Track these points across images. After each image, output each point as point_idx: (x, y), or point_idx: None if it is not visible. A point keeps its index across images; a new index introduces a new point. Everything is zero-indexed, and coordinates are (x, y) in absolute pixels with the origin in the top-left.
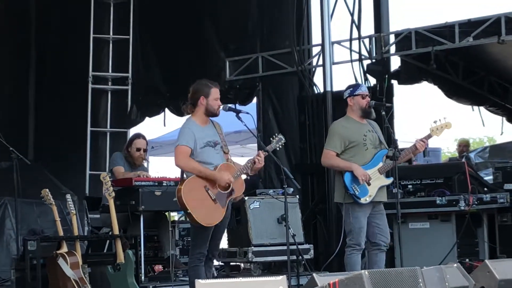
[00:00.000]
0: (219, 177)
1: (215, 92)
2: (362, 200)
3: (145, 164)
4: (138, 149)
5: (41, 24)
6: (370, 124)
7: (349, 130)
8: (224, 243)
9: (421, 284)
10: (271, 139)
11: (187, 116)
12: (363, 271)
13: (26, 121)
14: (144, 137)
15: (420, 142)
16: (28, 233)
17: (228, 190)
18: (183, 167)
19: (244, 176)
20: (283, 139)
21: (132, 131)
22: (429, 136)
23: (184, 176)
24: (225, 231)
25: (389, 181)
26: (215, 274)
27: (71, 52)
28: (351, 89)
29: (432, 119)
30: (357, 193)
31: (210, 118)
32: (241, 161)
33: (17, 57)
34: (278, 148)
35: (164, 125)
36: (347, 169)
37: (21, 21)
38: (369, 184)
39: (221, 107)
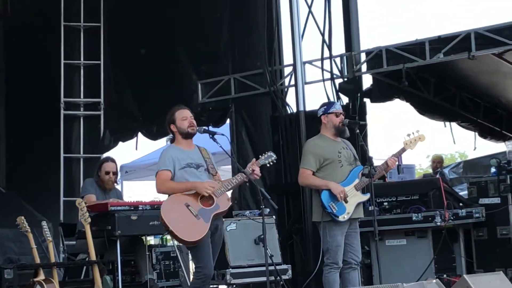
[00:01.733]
0: (199, 185)
1: (179, 114)
2: (340, 218)
3: (118, 187)
4: (107, 173)
5: (11, 49)
6: (343, 142)
7: (323, 148)
8: None
9: None
10: (260, 156)
11: (163, 138)
12: None
13: None
14: (113, 160)
15: (392, 159)
16: (4, 261)
17: (212, 206)
18: (163, 192)
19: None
20: (274, 156)
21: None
22: (403, 150)
23: None
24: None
25: (366, 197)
26: None
27: (42, 78)
28: (325, 107)
29: (405, 134)
30: (335, 211)
31: (197, 145)
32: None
33: None
34: (268, 165)
35: (136, 149)
36: (324, 187)
37: None
38: (346, 201)
39: (196, 129)
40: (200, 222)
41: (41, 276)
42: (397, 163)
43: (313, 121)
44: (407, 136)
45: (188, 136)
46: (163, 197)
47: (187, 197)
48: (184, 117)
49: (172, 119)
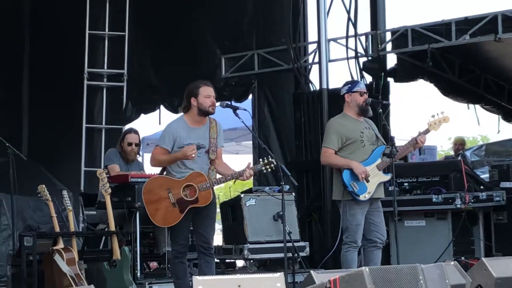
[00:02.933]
0: (181, 155)
1: (204, 90)
2: (361, 197)
3: (140, 159)
4: (130, 144)
5: (35, 20)
6: (366, 122)
7: (346, 127)
8: (219, 240)
9: (421, 281)
10: (260, 160)
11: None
12: (364, 267)
13: (21, 117)
14: (136, 132)
15: (422, 136)
16: (24, 229)
17: (192, 198)
18: (154, 166)
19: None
20: (274, 162)
21: (128, 127)
22: (427, 131)
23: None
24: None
25: (387, 177)
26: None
27: (66, 49)
28: (349, 85)
29: (429, 115)
30: (356, 190)
31: (212, 119)
32: (236, 158)
33: (11, 54)
34: (264, 171)
35: (160, 123)
36: (346, 167)
37: (15, 18)
38: (367, 181)
39: (219, 104)
40: (174, 211)
41: (60, 245)
42: (425, 142)
43: (335, 99)
44: (431, 117)
45: (205, 114)
46: None
47: (171, 182)
48: (208, 95)
49: (195, 93)
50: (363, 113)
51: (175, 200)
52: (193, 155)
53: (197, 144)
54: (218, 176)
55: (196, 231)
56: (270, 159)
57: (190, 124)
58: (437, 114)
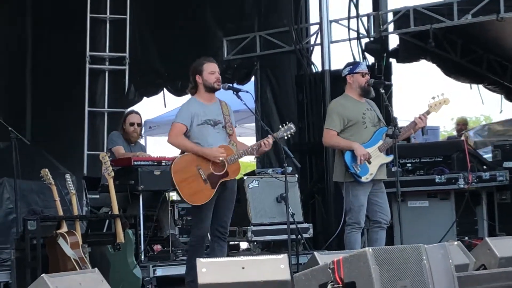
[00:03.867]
0: (209, 152)
1: (208, 67)
2: (363, 179)
3: (142, 142)
4: (132, 124)
5: (37, 4)
6: (368, 103)
7: (348, 108)
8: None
9: (425, 261)
10: (280, 126)
11: (188, 95)
12: (367, 248)
13: (24, 102)
14: (137, 112)
15: (420, 117)
16: (27, 213)
17: (222, 172)
18: (173, 144)
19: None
20: (293, 128)
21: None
22: (427, 113)
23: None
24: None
25: (389, 158)
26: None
27: (68, 32)
28: (351, 66)
29: (431, 95)
30: (358, 171)
31: (219, 99)
32: (239, 140)
33: (13, 39)
34: (286, 137)
35: (165, 106)
36: (348, 148)
37: (17, 2)
38: (369, 162)
39: (221, 86)
40: (206, 187)
41: (64, 229)
42: (425, 123)
43: (338, 80)
44: (431, 99)
45: (212, 90)
46: None
47: (199, 159)
48: (212, 71)
49: (199, 70)
50: (365, 94)
51: (206, 176)
52: (220, 159)
53: (214, 120)
54: (242, 149)
55: (216, 214)
56: (288, 124)
57: (203, 101)
58: (437, 95)
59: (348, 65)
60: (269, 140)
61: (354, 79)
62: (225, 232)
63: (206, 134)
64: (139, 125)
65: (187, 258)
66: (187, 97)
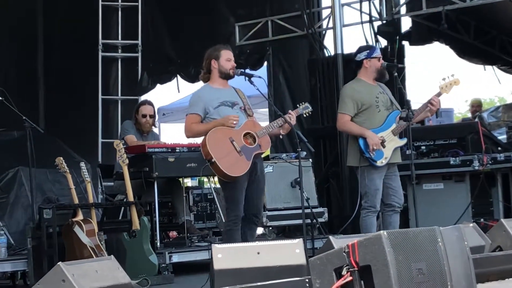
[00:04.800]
0: (222, 120)
1: (225, 53)
2: (378, 163)
3: (156, 131)
4: (144, 115)
5: None
6: (380, 86)
7: (361, 92)
8: None
9: (440, 244)
10: (298, 105)
11: (200, 82)
12: (381, 231)
13: (36, 91)
14: (150, 103)
15: (432, 100)
16: (43, 201)
17: (254, 145)
18: (190, 137)
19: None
20: (310, 107)
21: (143, 98)
22: (439, 94)
23: None
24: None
25: (403, 142)
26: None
27: (80, 20)
28: (368, 51)
29: (440, 78)
30: (373, 156)
31: (232, 86)
32: None
33: (25, 28)
34: (305, 115)
35: (178, 91)
36: (361, 136)
37: None
38: (384, 146)
39: (235, 73)
40: (242, 159)
41: (80, 217)
42: (439, 105)
43: (350, 64)
44: (442, 80)
45: (226, 77)
46: (200, 140)
47: (231, 132)
48: (229, 58)
49: (216, 55)
50: (381, 78)
51: (240, 148)
52: (235, 122)
53: (230, 101)
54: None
55: (250, 202)
56: (304, 103)
57: (217, 86)
58: (447, 77)
59: (362, 49)
60: (292, 113)
61: (371, 63)
62: (260, 216)
63: (227, 113)
64: (152, 116)
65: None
66: (201, 83)
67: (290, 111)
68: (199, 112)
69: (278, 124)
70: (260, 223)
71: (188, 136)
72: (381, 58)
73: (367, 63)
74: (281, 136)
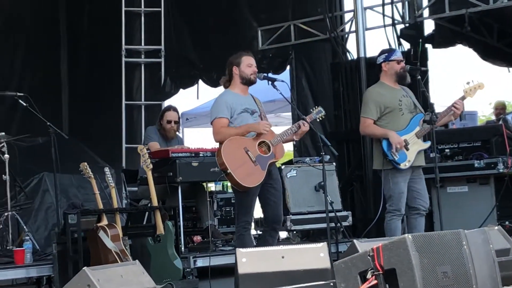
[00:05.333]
0: (256, 126)
1: (246, 59)
2: (402, 166)
3: (180, 135)
4: (169, 121)
5: None
6: (403, 90)
7: (384, 96)
8: (260, 213)
9: (465, 247)
10: (311, 110)
11: (222, 86)
12: (406, 235)
13: (59, 97)
14: (175, 109)
15: (456, 104)
16: (68, 207)
17: (268, 154)
18: (220, 140)
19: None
20: (323, 111)
21: (167, 103)
22: (463, 98)
23: None
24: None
25: (426, 145)
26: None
27: (103, 26)
28: (386, 54)
29: (465, 81)
30: (396, 159)
31: (251, 93)
32: (275, 130)
33: (48, 34)
34: (318, 120)
35: (197, 98)
36: (384, 137)
37: None
38: (407, 149)
39: (256, 79)
40: (257, 169)
41: (104, 221)
42: (462, 108)
43: (373, 67)
44: (466, 84)
45: (248, 83)
46: None
47: (246, 141)
48: (250, 64)
49: (237, 62)
50: (401, 81)
51: (255, 158)
52: (267, 129)
53: (251, 109)
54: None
55: (270, 209)
56: (317, 108)
57: (239, 93)
58: (472, 80)
59: (382, 52)
60: (306, 119)
61: (389, 67)
62: (279, 223)
63: (248, 121)
64: (176, 122)
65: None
66: (222, 88)
67: (303, 117)
68: (227, 116)
69: (292, 131)
70: (280, 228)
71: (218, 140)
72: (401, 61)
73: (385, 66)
74: (294, 142)
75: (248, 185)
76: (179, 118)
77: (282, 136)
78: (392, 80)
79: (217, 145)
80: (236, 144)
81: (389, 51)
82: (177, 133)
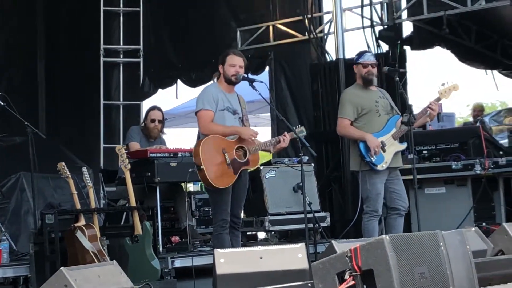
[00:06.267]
0: (244, 131)
1: (230, 59)
2: (379, 167)
3: (163, 137)
4: (153, 120)
5: None
6: (380, 91)
7: (361, 97)
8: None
9: (442, 248)
10: (295, 127)
11: (202, 86)
12: (384, 235)
13: (37, 96)
14: (159, 109)
15: (431, 105)
16: (45, 207)
17: (244, 160)
18: (207, 133)
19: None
20: (304, 132)
21: (145, 103)
22: (438, 99)
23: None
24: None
25: (403, 146)
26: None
27: (81, 26)
28: (357, 56)
29: (439, 83)
30: (373, 160)
31: (237, 93)
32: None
33: (26, 33)
34: (298, 139)
35: (176, 97)
36: (361, 139)
37: None
38: (384, 150)
39: (237, 80)
40: (229, 172)
41: (82, 222)
42: (438, 109)
43: (352, 69)
44: (441, 86)
45: (229, 82)
46: None
47: (226, 143)
48: (233, 64)
49: (223, 60)
50: (366, 83)
51: (230, 161)
52: (253, 138)
53: (233, 108)
54: (263, 141)
55: (230, 205)
56: (300, 127)
57: (223, 89)
58: (447, 82)
59: (356, 54)
60: (287, 136)
61: (357, 69)
62: (238, 222)
63: (226, 121)
64: (160, 121)
65: (214, 247)
66: (201, 88)
67: (285, 133)
68: (212, 108)
69: (271, 143)
70: (239, 227)
71: (203, 133)
72: (369, 65)
73: (355, 68)
74: (270, 153)
75: (217, 185)
76: (163, 117)
77: (261, 146)
78: (360, 82)
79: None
80: (215, 143)
81: (360, 54)
82: (161, 133)
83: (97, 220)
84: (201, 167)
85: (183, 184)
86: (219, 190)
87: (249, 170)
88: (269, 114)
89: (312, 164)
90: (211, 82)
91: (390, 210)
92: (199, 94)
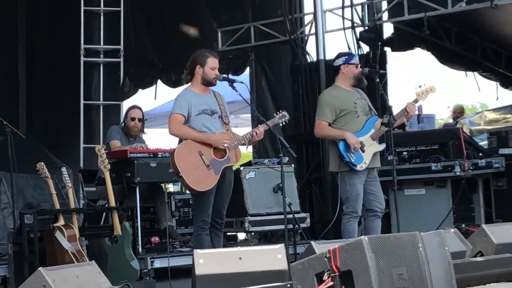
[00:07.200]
0: (214, 139)
1: (211, 62)
2: (358, 167)
3: (143, 136)
4: (133, 119)
5: None
6: (358, 92)
7: (339, 98)
8: None
9: (421, 249)
10: (275, 114)
11: (183, 86)
12: (363, 237)
13: (17, 95)
14: (139, 108)
15: (411, 104)
16: (24, 206)
17: (224, 158)
18: (176, 135)
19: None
20: (287, 116)
21: (125, 104)
22: (415, 101)
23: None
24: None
25: (382, 147)
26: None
27: (61, 25)
28: (346, 57)
29: (417, 85)
30: (352, 160)
31: (212, 90)
32: (235, 131)
33: (6, 32)
34: (281, 124)
35: (155, 98)
36: (340, 138)
37: None
38: (363, 151)
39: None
40: (210, 173)
41: (61, 222)
42: (416, 111)
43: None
44: (418, 88)
45: (208, 84)
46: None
47: (201, 146)
48: (214, 67)
49: (202, 62)
50: (359, 84)
51: (209, 162)
52: (225, 145)
53: (210, 109)
54: (241, 135)
55: (214, 205)
56: (282, 112)
57: (198, 92)
58: (424, 84)
59: (341, 55)
60: (260, 129)
61: (349, 69)
62: (222, 223)
63: (205, 123)
64: (140, 120)
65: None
66: (181, 88)
67: (259, 125)
68: (183, 113)
69: (249, 136)
70: (222, 228)
71: (173, 134)
72: (359, 65)
73: (344, 69)
74: (246, 148)
75: (199, 189)
76: (143, 116)
77: (240, 141)
78: (349, 83)
79: (175, 146)
80: (190, 148)
81: (349, 55)
82: (142, 133)
83: (76, 220)
84: (180, 174)
85: (163, 185)
86: (202, 192)
87: (234, 168)
88: (249, 115)
89: (292, 165)
90: (186, 86)
91: (368, 212)
92: (175, 98)
